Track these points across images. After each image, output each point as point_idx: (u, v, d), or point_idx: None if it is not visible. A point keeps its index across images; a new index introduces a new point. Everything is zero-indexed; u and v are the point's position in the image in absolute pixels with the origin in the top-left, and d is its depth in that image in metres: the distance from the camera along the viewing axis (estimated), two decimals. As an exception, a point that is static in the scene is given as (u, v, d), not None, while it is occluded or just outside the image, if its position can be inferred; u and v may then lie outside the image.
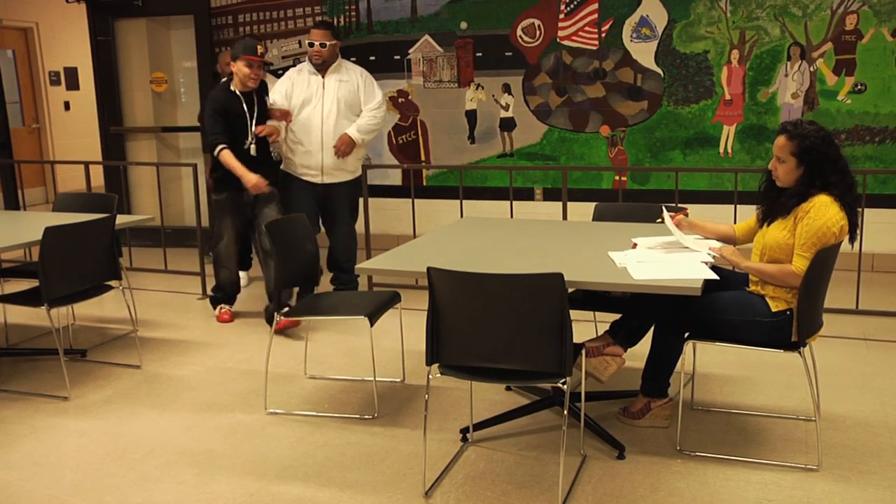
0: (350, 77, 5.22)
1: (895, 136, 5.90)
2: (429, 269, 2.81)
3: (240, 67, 4.75)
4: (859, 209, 3.12)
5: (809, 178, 3.04)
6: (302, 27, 7.21)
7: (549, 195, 6.73)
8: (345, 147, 5.16)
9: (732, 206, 5.10)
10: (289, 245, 3.88)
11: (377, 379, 4.02)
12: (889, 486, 2.93)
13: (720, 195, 6.09)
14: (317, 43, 5.12)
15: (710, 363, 4.15)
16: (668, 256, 3.16)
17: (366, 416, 3.68)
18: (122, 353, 4.60)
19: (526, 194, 6.76)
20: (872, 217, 5.12)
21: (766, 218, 3.23)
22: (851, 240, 3.08)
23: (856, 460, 3.13)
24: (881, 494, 2.88)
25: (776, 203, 3.17)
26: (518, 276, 2.74)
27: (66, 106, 10.95)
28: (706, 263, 3.04)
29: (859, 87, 5.93)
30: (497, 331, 2.81)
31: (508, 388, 3.88)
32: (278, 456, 3.31)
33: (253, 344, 4.73)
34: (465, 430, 3.41)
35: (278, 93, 5.19)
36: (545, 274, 2.69)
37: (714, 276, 2.89)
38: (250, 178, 4.74)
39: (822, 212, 2.98)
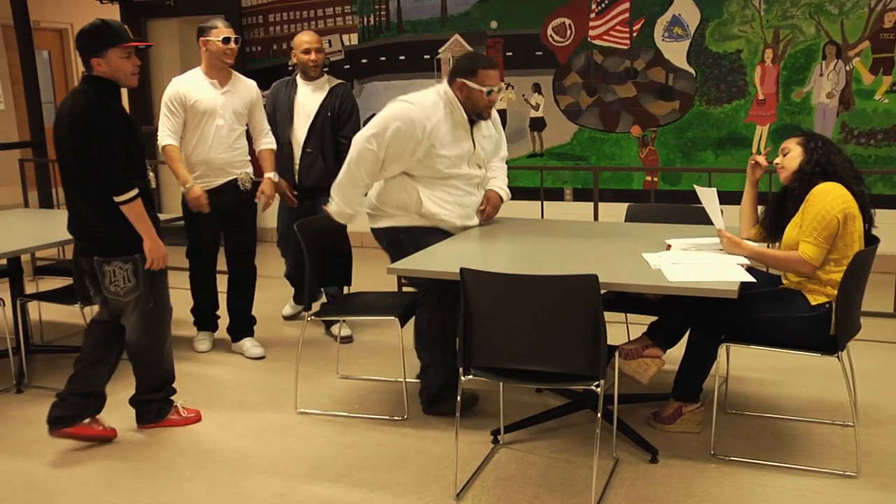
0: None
1: (934, 137, 5.80)
2: (462, 269, 2.80)
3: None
4: (866, 190, 3.17)
5: (810, 155, 3.14)
6: (332, 27, 7.23)
7: (579, 195, 6.69)
8: None
9: (764, 207, 5.02)
10: (322, 243, 3.88)
11: (407, 380, 4.02)
12: (930, 494, 2.88)
13: (753, 196, 6.00)
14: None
15: (744, 366, 4.09)
16: (703, 258, 3.12)
17: (396, 417, 3.67)
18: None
19: (556, 194, 6.72)
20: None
21: (781, 225, 3.26)
22: (865, 220, 3.09)
23: None
24: (922, 502, 2.83)
25: (788, 203, 3.23)
26: (552, 277, 2.72)
27: (99, 106, 11.06)
28: (742, 266, 3.00)
29: (897, 86, 5.83)
30: (530, 332, 2.79)
31: (539, 391, 3.86)
32: (308, 456, 3.31)
33: (284, 343, 4.74)
34: (495, 432, 3.39)
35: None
36: (580, 275, 2.67)
37: (751, 279, 2.85)
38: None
39: (821, 197, 3.03)
